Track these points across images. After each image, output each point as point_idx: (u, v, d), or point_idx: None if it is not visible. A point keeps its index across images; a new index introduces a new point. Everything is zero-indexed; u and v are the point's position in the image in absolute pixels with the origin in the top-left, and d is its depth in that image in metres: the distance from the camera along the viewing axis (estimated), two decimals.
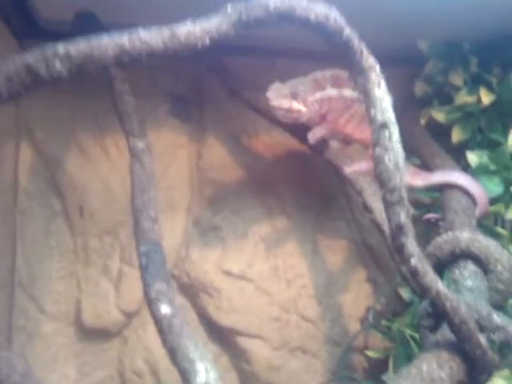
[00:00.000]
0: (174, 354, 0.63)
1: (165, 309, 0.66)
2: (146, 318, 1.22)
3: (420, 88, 1.28)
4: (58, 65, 0.49)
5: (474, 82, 1.20)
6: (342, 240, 1.37)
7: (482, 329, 0.62)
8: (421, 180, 1.09)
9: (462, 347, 0.61)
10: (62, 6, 1.15)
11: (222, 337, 1.29)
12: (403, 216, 0.59)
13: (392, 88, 1.38)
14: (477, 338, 0.60)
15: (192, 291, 1.29)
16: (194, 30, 0.57)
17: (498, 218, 1.12)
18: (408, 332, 1.13)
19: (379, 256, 1.35)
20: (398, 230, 0.59)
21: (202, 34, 0.57)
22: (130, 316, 1.26)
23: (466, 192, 1.03)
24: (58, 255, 1.26)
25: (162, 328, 0.65)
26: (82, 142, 1.28)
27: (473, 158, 1.15)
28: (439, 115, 1.23)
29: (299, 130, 1.21)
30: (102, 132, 1.28)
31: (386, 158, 0.62)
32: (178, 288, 1.30)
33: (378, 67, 0.67)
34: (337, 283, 1.34)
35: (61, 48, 0.50)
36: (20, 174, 1.26)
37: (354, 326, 1.31)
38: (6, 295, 1.23)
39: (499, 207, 1.08)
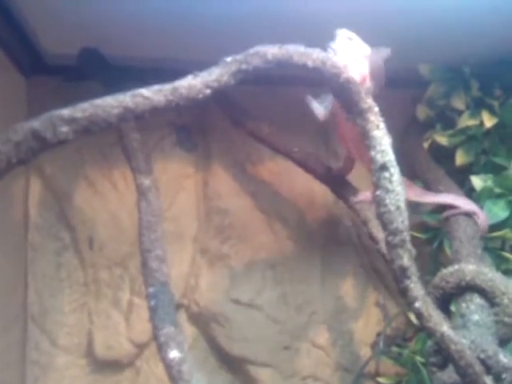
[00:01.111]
0: None
1: (174, 354, 0.67)
2: None
3: (422, 112, 1.29)
4: (64, 129, 0.50)
5: (476, 106, 1.21)
6: (350, 265, 1.37)
7: (488, 369, 0.62)
8: (414, 194, 1.07)
9: None
10: (66, 42, 1.18)
11: (233, 366, 1.30)
12: (406, 259, 0.60)
13: (395, 111, 1.40)
14: (483, 382, 0.60)
15: (202, 320, 1.30)
16: (194, 83, 0.59)
17: (505, 243, 1.12)
18: (418, 359, 1.13)
19: (388, 280, 1.35)
20: (401, 272, 0.60)
21: (203, 86, 0.59)
22: (141, 347, 1.27)
23: (465, 213, 1.03)
24: (69, 288, 1.28)
25: (172, 374, 0.66)
26: (90, 175, 1.30)
27: (477, 182, 1.15)
28: (442, 139, 1.23)
29: (303, 159, 1.22)
30: (110, 165, 1.30)
31: (387, 200, 0.63)
32: (188, 317, 1.31)
33: (376, 108, 0.68)
34: (346, 309, 1.34)
35: (66, 112, 0.51)
36: (30, 209, 1.28)
37: (365, 352, 1.31)
38: (19, 329, 1.25)
39: (505, 232, 1.08)
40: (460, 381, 0.62)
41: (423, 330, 1.15)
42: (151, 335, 1.22)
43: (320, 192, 1.36)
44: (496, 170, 1.17)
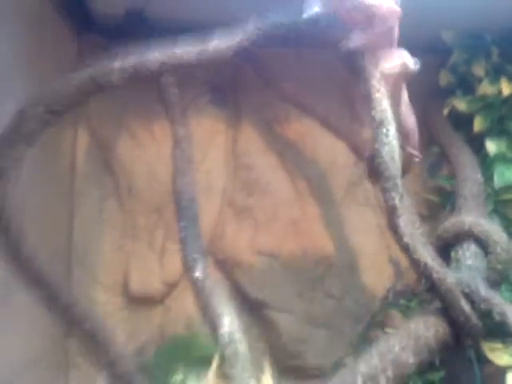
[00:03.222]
0: (205, 310, 0.75)
1: (199, 274, 0.79)
2: (185, 288, 1.35)
3: (445, 77, 1.34)
4: (114, 75, 0.61)
5: (496, 73, 1.25)
6: (367, 223, 1.44)
7: (472, 302, 0.71)
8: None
9: (448, 314, 0.71)
10: (114, 2, 1.29)
11: (252, 309, 1.39)
12: (397, 199, 0.69)
13: (418, 77, 1.44)
14: (461, 306, 0.69)
15: (227, 266, 1.41)
16: (219, 44, 0.68)
17: None
18: None
19: None
20: (392, 211, 0.69)
21: (227, 48, 0.69)
22: (171, 286, 1.39)
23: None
24: (109, 231, 1.40)
25: (197, 289, 0.78)
26: (132, 127, 1.41)
27: (491, 146, 1.20)
28: (461, 105, 1.28)
29: (328, 119, 1.30)
30: (150, 119, 1.40)
31: (383, 151, 0.71)
32: (214, 263, 1.41)
33: (378, 74, 0.76)
34: (361, 264, 1.42)
35: (117, 63, 0.62)
36: (78, 158, 1.39)
37: (376, 305, 1.40)
38: (65, 267, 1.38)
39: None
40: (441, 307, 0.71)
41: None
42: (180, 276, 1.39)
43: (342, 154, 1.44)
44: (511, 135, 1.21)
